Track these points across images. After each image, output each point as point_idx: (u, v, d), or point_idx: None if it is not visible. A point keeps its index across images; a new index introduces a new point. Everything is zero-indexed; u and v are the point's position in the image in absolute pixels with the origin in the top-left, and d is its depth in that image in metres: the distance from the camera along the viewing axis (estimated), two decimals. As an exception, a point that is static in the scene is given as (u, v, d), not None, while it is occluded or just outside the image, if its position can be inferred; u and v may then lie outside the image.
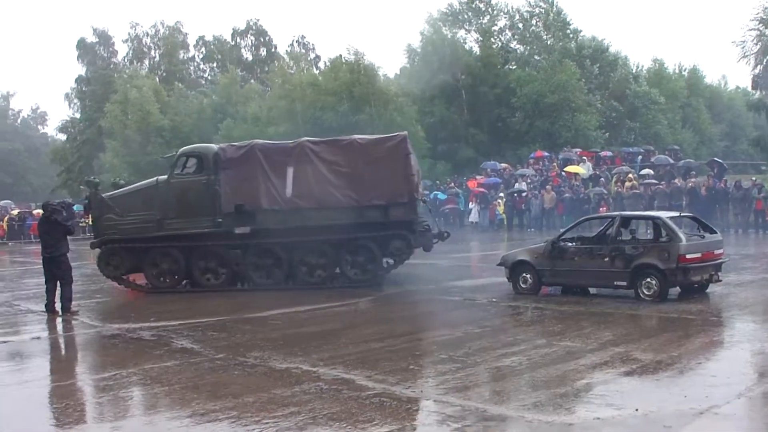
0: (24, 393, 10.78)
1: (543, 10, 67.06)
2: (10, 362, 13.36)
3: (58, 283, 17.97)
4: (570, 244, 17.92)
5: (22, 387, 11.19)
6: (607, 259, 16.82)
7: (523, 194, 43.38)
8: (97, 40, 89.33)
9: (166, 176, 21.51)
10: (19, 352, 14.22)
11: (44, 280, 18.11)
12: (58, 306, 17.79)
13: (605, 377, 10.08)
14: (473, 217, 45.24)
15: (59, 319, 17.24)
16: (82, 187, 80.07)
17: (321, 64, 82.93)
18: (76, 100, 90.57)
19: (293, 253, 20.93)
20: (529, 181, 45.71)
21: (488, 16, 68.12)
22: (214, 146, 22.07)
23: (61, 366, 13.10)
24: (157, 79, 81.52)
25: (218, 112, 71.37)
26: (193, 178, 21.15)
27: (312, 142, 21.29)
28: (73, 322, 16.86)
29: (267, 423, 8.54)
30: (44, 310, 17.89)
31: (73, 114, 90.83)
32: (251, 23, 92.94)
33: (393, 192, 20.34)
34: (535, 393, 9.39)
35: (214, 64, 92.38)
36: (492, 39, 67.08)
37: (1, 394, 10.74)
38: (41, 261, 18.35)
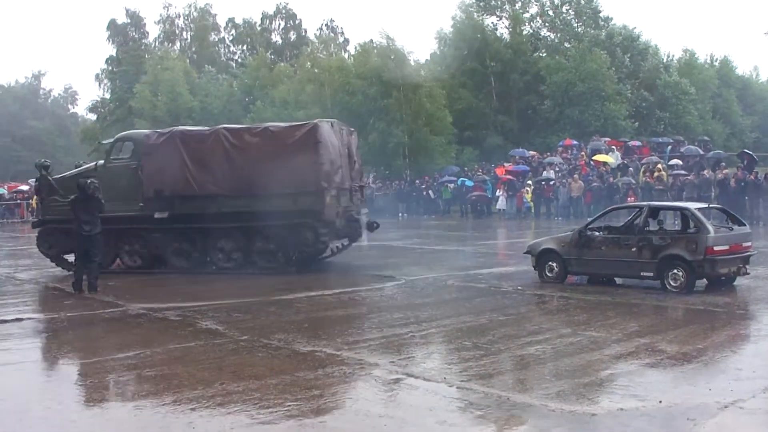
0: (49, 371, 10.87)
1: (574, -2, 66.80)
2: (36, 339, 13.50)
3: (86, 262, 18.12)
4: (597, 233, 17.81)
5: (48, 364, 11.29)
6: (634, 250, 16.72)
7: (551, 182, 43.22)
8: (129, 21, 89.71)
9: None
10: (45, 330, 14.35)
11: (74, 258, 18.21)
12: (84, 285, 17.93)
13: (629, 368, 10.02)
14: (500, 204, 45.16)
15: (86, 298, 17.39)
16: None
17: (350, 48, 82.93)
18: (106, 81, 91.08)
19: (208, 239, 21.54)
20: (557, 169, 45.53)
21: (519, 3, 67.88)
22: (145, 132, 23.09)
23: (87, 344, 13.17)
24: (188, 60, 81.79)
25: (247, 94, 71.57)
26: (125, 163, 21.91)
27: (227, 130, 21.70)
28: (100, 301, 16.97)
29: (290, 405, 8.56)
30: (72, 288, 18.01)
31: (104, 94, 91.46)
32: (281, 7, 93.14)
33: (301, 181, 20.55)
34: (559, 382, 9.36)
35: (244, 47, 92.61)
36: (522, 26, 66.83)
37: (28, 371, 10.84)
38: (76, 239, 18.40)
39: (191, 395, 9.12)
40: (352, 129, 23.98)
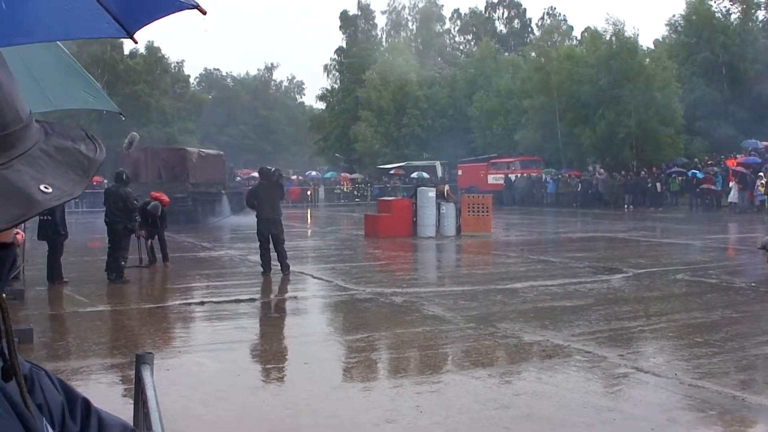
0: (279, 350, 11.33)
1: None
2: (269, 318, 14.08)
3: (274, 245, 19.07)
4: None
5: (278, 344, 11.78)
6: None
7: (785, 175, 41.36)
8: (360, 13, 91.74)
9: None
10: (277, 310, 14.97)
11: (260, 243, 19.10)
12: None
13: None
14: (732, 197, 43.55)
15: (314, 280, 18.07)
16: (337, 155, 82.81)
17: (574, 35, 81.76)
18: (334, 72, 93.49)
19: None
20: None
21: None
22: None
23: (315, 327, 13.61)
24: (413, 50, 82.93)
25: (471, 84, 71.77)
26: None
27: None
28: (329, 284, 17.55)
29: (515, 397, 8.57)
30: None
31: (332, 84, 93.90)
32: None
33: None
34: (798, 385, 8.94)
35: (469, 36, 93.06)
36: (757, 11, 63.87)
37: (256, 350, 11.33)
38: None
39: (415, 380, 9.27)
40: (179, 148, 38.66)
